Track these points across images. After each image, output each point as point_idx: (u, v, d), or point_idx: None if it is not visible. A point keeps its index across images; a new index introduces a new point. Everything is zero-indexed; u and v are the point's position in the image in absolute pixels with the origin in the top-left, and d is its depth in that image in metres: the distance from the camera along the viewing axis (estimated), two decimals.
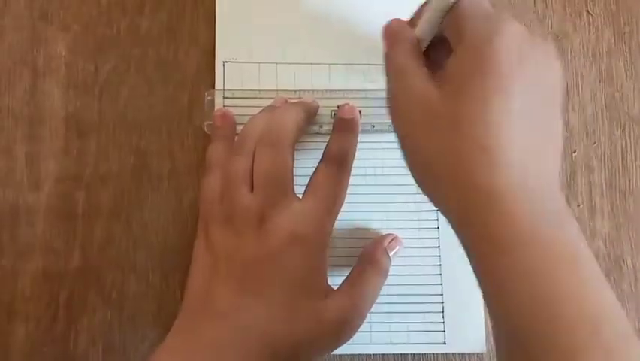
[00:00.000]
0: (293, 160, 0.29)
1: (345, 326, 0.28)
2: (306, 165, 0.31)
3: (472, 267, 0.23)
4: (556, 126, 0.24)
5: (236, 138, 0.31)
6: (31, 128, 0.35)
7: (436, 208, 0.25)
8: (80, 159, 0.35)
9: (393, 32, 0.27)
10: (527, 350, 0.20)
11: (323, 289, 0.28)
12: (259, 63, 0.35)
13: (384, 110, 0.34)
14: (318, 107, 0.34)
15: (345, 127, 0.32)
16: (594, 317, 0.20)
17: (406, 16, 0.35)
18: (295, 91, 0.35)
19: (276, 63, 0.35)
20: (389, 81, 0.26)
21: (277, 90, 0.34)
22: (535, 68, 0.23)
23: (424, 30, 0.26)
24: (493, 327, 0.23)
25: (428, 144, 0.23)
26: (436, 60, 0.26)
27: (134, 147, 0.35)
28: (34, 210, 0.34)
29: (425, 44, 0.27)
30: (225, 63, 0.35)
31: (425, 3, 0.27)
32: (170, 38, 0.36)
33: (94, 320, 0.33)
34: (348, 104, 0.33)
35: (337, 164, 0.31)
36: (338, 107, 0.33)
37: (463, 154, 0.22)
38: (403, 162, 0.34)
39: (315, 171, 0.30)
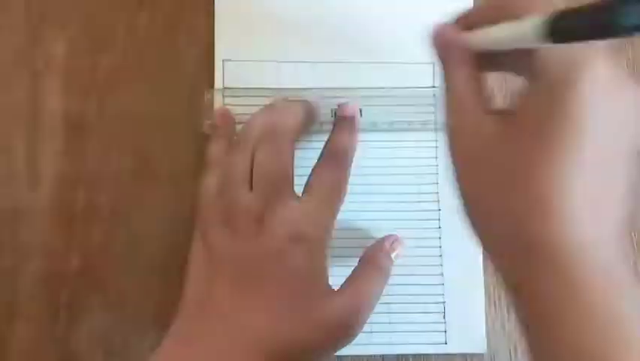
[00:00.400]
0: (293, 159, 0.29)
1: (345, 327, 0.28)
2: (306, 164, 0.30)
3: (520, 320, 0.22)
4: (625, 174, 0.22)
5: (236, 136, 0.31)
6: (30, 127, 0.35)
7: (482, 252, 0.24)
8: (80, 159, 0.34)
9: (448, 46, 0.24)
10: None
11: (324, 289, 0.28)
12: (259, 62, 0.35)
13: (385, 109, 0.34)
14: (319, 106, 0.33)
15: (345, 125, 0.32)
16: None
17: (402, 15, 0.35)
18: (296, 89, 0.34)
19: (277, 61, 0.35)
20: (448, 112, 0.24)
21: (278, 88, 0.34)
22: (618, 109, 0.21)
23: (483, 45, 0.23)
24: None
25: (485, 188, 0.22)
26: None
27: (133, 147, 0.35)
28: (33, 211, 0.34)
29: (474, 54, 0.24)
30: (225, 62, 0.35)
31: (491, 8, 0.23)
32: (169, 37, 0.36)
33: (94, 320, 0.33)
34: (348, 102, 0.33)
35: (337, 162, 0.30)
36: (338, 105, 0.33)
37: (523, 207, 0.21)
38: (403, 162, 0.34)
39: (314, 170, 0.30)
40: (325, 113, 0.34)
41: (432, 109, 0.34)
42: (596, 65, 0.20)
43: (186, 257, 0.32)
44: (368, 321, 0.32)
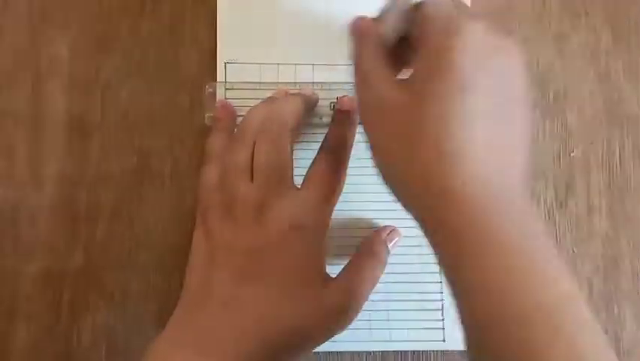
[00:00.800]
0: (292, 150, 0.30)
1: (342, 315, 0.29)
2: (306, 157, 0.31)
3: (441, 267, 0.24)
4: (520, 123, 0.24)
5: (236, 128, 0.32)
6: (32, 128, 0.35)
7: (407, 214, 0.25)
8: (82, 159, 0.35)
9: (359, 32, 0.27)
10: (487, 341, 0.21)
11: (321, 277, 0.29)
12: (260, 64, 0.35)
13: None
14: (318, 99, 0.34)
15: (343, 118, 0.32)
16: (553, 309, 0.20)
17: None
18: (295, 83, 0.35)
19: (278, 64, 0.35)
20: (357, 88, 0.27)
21: (278, 83, 0.35)
22: (497, 67, 0.23)
23: (388, 29, 0.27)
24: (461, 323, 0.23)
25: (394, 151, 0.24)
26: (404, 58, 0.27)
27: (135, 148, 0.35)
28: (36, 211, 0.34)
29: (391, 43, 0.27)
30: (227, 64, 0.35)
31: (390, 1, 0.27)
32: (171, 39, 0.36)
33: (96, 319, 0.33)
34: (347, 95, 0.33)
35: (335, 154, 0.31)
36: (337, 99, 0.34)
37: (425, 158, 0.23)
38: None
39: (313, 161, 0.31)
40: (324, 107, 0.34)
41: None
42: (468, 24, 0.23)
43: (188, 256, 0.33)
44: (368, 318, 0.33)
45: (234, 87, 0.35)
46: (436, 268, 0.34)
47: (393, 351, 0.34)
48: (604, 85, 0.36)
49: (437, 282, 0.34)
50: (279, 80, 0.35)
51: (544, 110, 0.36)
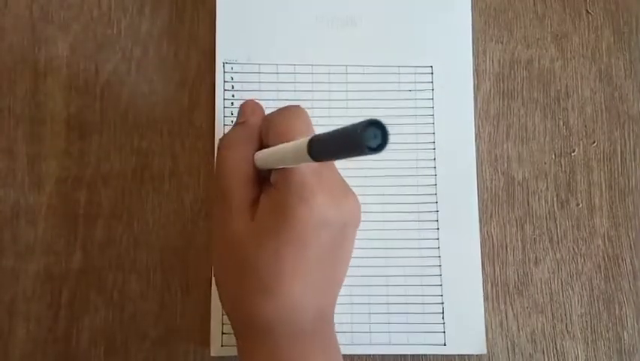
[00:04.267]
0: None
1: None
2: None
3: None
4: (339, 272, 0.28)
5: None
6: (32, 128, 0.35)
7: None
8: (81, 159, 0.35)
9: (238, 137, 0.27)
10: None
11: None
12: (259, 64, 0.35)
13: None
14: None
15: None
16: None
17: (401, 19, 0.36)
18: (295, 83, 0.35)
19: (276, 64, 0.35)
20: (216, 201, 0.28)
21: (277, 82, 0.35)
22: (330, 236, 0.26)
23: (263, 162, 0.26)
24: None
25: (228, 273, 0.27)
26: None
27: (134, 147, 0.35)
28: (35, 211, 0.34)
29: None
30: (225, 64, 0.35)
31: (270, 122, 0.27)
32: (171, 38, 0.36)
33: (95, 319, 0.33)
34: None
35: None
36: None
37: (250, 290, 0.26)
38: (402, 164, 0.35)
39: None
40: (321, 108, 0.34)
41: (431, 111, 0.35)
42: (315, 198, 0.25)
43: (187, 257, 0.33)
44: (367, 321, 0.33)
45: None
46: (437, 271, 0.34)
47: (393, 355, 0.33)
48: (605, 84, 0.36)
49: (437, 285, 0.34)
50: (278, 83, 0.35)
51: (545, 109, 0.36)
